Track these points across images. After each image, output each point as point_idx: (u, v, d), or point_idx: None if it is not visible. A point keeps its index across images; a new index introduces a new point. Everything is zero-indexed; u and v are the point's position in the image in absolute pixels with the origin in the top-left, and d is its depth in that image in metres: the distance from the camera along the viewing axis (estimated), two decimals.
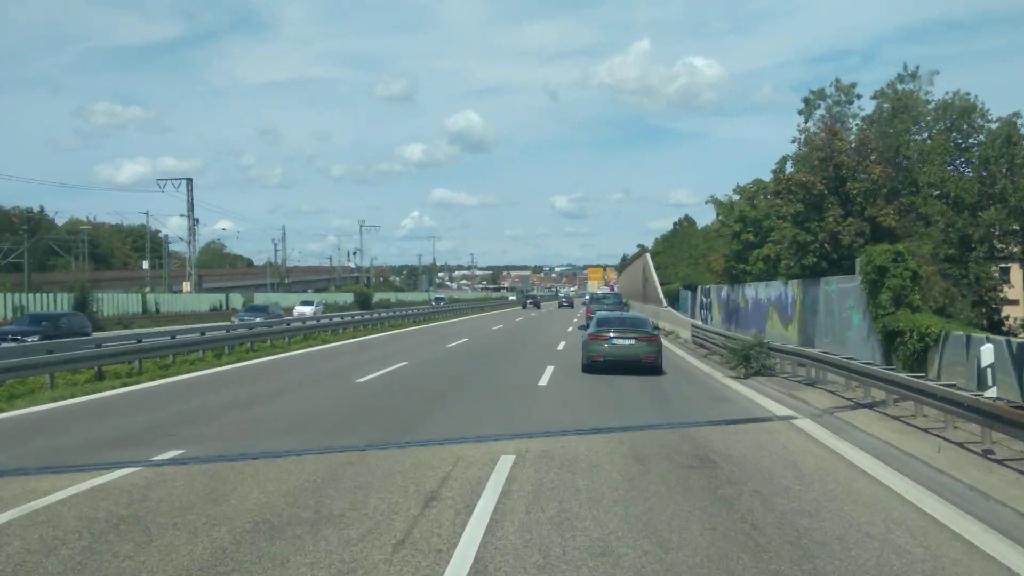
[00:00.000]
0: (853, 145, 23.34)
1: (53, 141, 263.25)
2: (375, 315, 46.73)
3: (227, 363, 21.43)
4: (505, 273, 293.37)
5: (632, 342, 18.59)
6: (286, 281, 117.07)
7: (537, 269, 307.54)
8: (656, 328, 22.26)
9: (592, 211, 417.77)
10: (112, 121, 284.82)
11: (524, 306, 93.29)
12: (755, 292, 30.84)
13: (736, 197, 35.02)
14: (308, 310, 55.58)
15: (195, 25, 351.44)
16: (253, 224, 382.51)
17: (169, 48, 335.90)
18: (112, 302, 49.49)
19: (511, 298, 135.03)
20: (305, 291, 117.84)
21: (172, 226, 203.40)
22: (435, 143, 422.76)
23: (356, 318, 41.35)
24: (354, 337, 33.96)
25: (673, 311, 43.40)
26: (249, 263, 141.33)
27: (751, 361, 19.53)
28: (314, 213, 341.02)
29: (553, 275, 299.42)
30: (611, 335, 18.72)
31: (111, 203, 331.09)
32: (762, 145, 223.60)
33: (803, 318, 24.19)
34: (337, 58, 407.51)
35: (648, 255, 56.95)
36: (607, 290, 78.85)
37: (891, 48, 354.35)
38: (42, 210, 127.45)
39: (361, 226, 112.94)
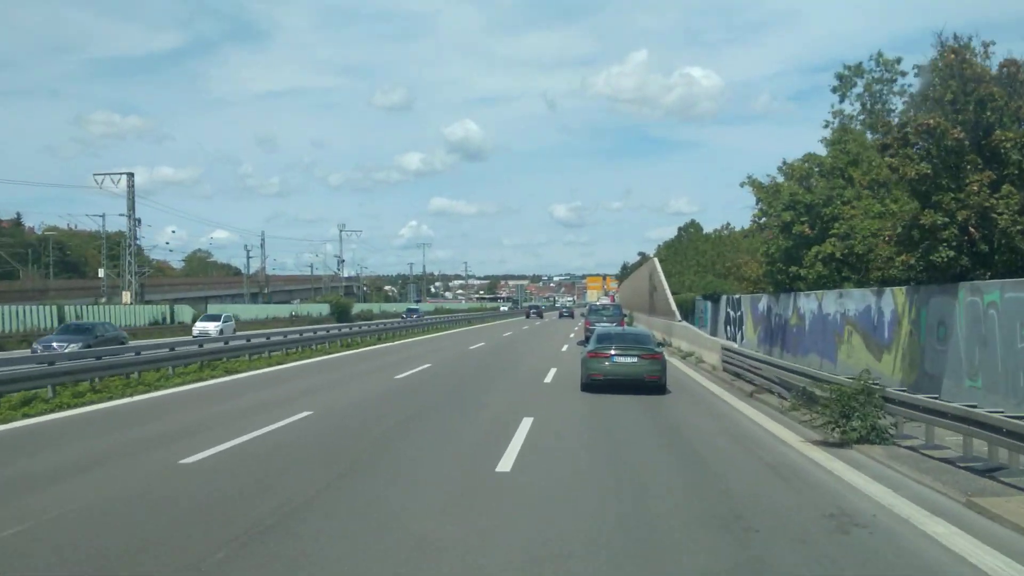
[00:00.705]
0: (996, 74, 14.57)
1: (51, 149, 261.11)
2: (320, 331, 37.79)
3: None
4: (503, 282, 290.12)
5: (635, 360, 17.32)
6: (265, 291, 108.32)
7: (536, 279, 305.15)
8: (661, 345, 19.94)
9: (591, 220, 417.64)
10: (111, 130, 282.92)
11: (528, 315, 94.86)
12: (817, 304, 22.08)
13: (781, 179, 26.28)
14: (212, 327, 45.31)
15: (194, 35, 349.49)
16: (249, 234, 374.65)
17: (168, 58, 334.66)
18: (14, 315, 40.68)
19: (503, 308, 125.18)
20: (288, 301, 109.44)
21: (166, 235, 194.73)
22: (433, 152, 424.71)
23: (288, 337, 32.40)
24: (269, 366, 25.14)
25: (690, 326, 34.79)
26: (236, 272, 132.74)
27: (852, 418, 11.41)
28: (312, 222, 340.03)
29: (552, 284, 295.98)
30: (612, 352, 17.43)
31: (104, 208, 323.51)
32: (759, 154, 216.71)
33: (917, 345, 15.49)
34: (335, 67, 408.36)
35: (656, 260, 48.27)
36: (607, 301, 74.13)
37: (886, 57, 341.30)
38: (19, 217, 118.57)
39: (341, 231, 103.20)
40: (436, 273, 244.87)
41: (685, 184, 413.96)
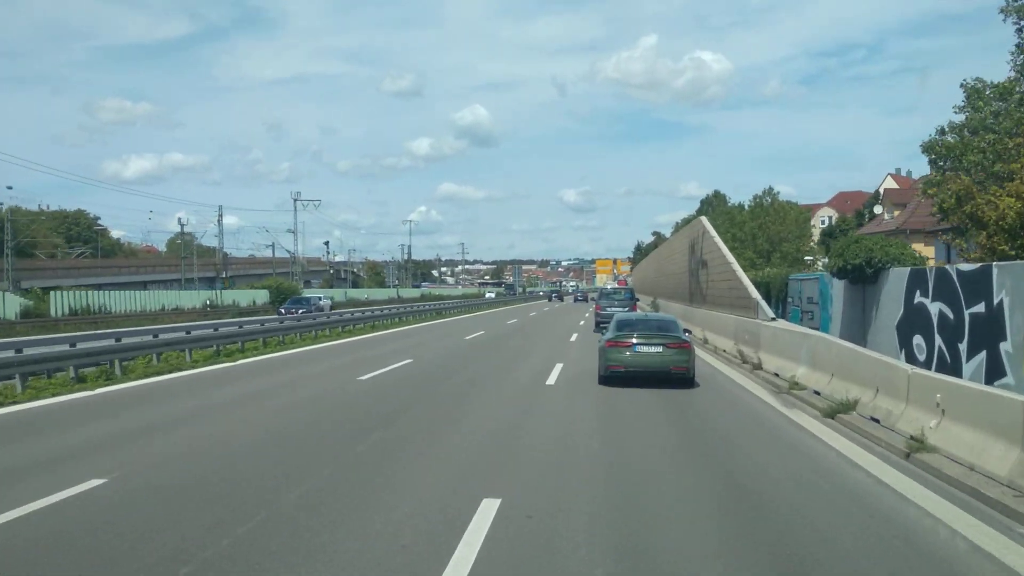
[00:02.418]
0: None
1: (62, 136, 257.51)
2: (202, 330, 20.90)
3: None
4: (510, 267, 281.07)
5: (659, 349, 15.14)
6: (224, 275, 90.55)
7: (543, 263, 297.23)
8: (688, 332, 16.75)
9: (600, 204, 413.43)
10: (121, 117, 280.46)
11: (550, 299, 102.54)
12: None
13: None
14: None
15: (203, 22, 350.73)
16: (260, 219, 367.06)
17: (177, 45, 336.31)
18: None
19: (489, 295, 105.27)
20: (254, 286, 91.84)
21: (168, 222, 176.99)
22: (442, 137, 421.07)
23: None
24: None
25: (811, 332, 16.11)
26: (225, 256, 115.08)
27: None
28: (321, 208, 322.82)
29: (560, 269, 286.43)
30: (634, 341, 15.19)
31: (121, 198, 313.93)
32: (769, 138, 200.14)
33: None
34: (343, 54, 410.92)
35: (705, 222, 29.77)
36: (615, 285, 66.52)
37: (895, 41, 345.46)
38: None
39: (296, 201, 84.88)
40: (442, 258, 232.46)
41: (695, 169, 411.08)
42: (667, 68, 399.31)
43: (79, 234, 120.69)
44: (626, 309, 32.60)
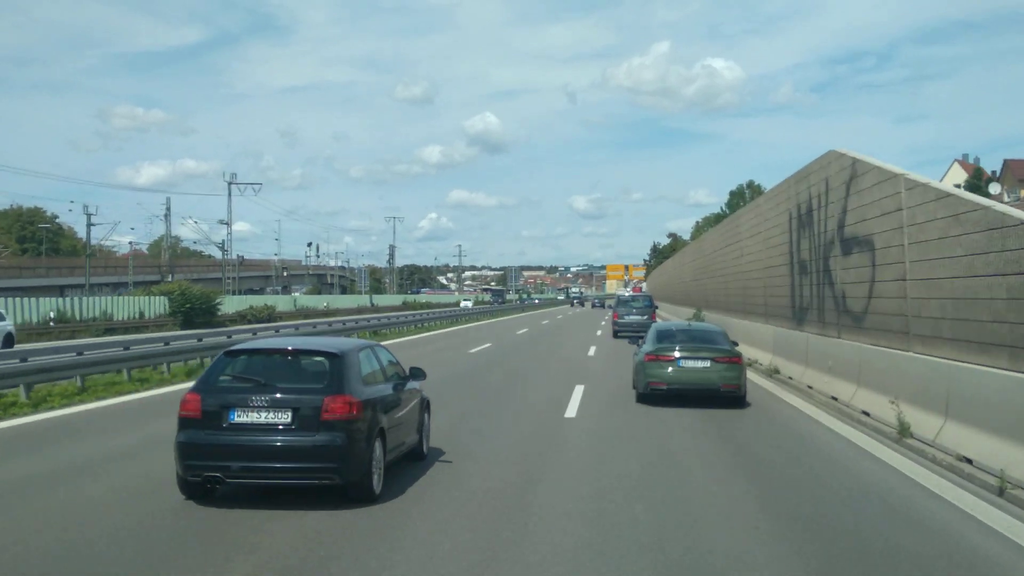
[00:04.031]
0: None
1: (75, 143, 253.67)
2: None
3: None
4: (518, 273, 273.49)
5: (706, 364, 13.19)
6: (170, 278, 74.73)
7: (552, 270, 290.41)
8: (736, 344, 14.32)
9: (610, 211, 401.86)
10: (134, 124, 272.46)
11: (572, 304, 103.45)
12: None
13: None
14: None
15: (216, 29, 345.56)
16: (271, 226, 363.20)
17: (190, 52, 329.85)
18: None
19: (466, 303, 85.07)
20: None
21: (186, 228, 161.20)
22: (454, 145, 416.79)
23: None
24: None
25: None
26: (241, 259, 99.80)
27: None
28: (332, 214, 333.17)
29: (568, 275, 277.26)
30: (677, 355, 13.29)
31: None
32: (781, 146, 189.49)
33: None
34: (356, 61, 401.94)
35: (858, 157, 12.88)
36: (628, 292, 61.61)
37: (907, 48, 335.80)
38: None
39: (230, 184, 68.88)
40: (450, 264, 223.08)
41: (705, 176, 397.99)
42: (679, 75, 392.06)
43: (33, 234, 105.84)
44: (645, 317, 32.05)
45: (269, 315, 52.74)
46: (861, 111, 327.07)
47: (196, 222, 76.22)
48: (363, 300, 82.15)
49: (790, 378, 16.16)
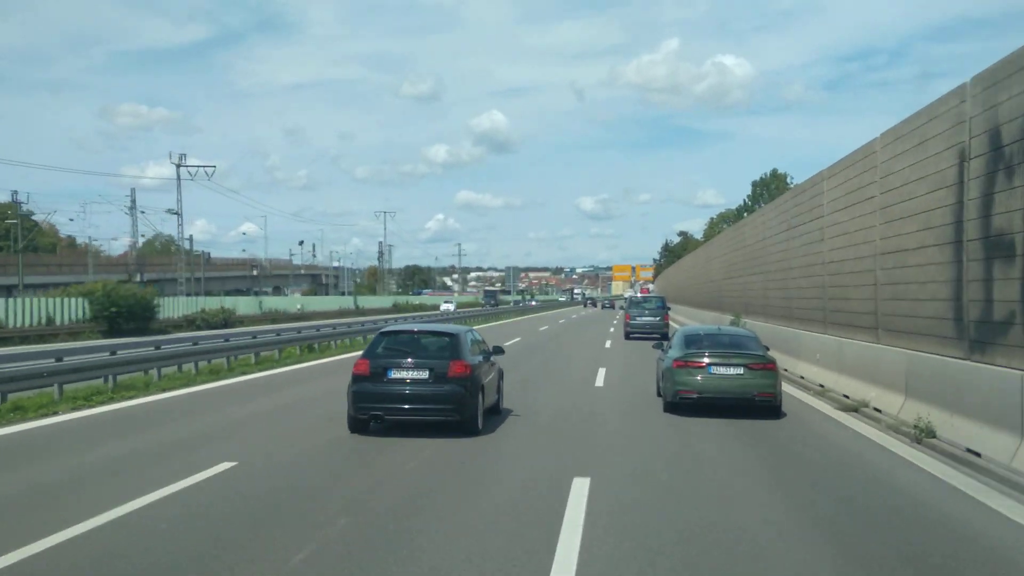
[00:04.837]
0: None
1: (79, 141, 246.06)
2: None
3: None
4: (524, 274, 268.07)
5: (740, 371, 12.27)
6: (138, 278, 67.14)
7: (557, 271, 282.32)
8: (768, 349, 13.60)
9: (617, 212, 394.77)
10: (138, 122, 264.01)
11: (584, 305, 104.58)
12: None
13: None
14: None
15: (221, 27, 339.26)
16: (279, 226, 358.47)
17: (195, 50, 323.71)
18: None
19: (446, 306, 75.28)
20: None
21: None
22: (460, 144, 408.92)
23: None
24: None
25: None
26: (207, 258, 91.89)
27: None
28: (339, 215, 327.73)
29: (574, 276, 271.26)
30: (706, 361, 12.37)
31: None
32: (791, 145, 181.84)
33: None
34: (362, 59, 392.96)
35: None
36: (640, 293, 64.96)
37: (918, 45, 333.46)
38: None
39: (179, 167, 61.17)
40: (455, 265, 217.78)
41: (714, 176, 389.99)
42: (688, 73, 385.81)
43: (7, 230, 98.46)
44: (657, 319, 32.26)
45: (225, 319, 45.06)
46: (872, 109, 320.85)
47: (143, 212, 67.34)
48: (347, 302, 74.24)
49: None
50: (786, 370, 16.67)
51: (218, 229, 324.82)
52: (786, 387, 13.85)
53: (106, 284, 37.00)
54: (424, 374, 10.21)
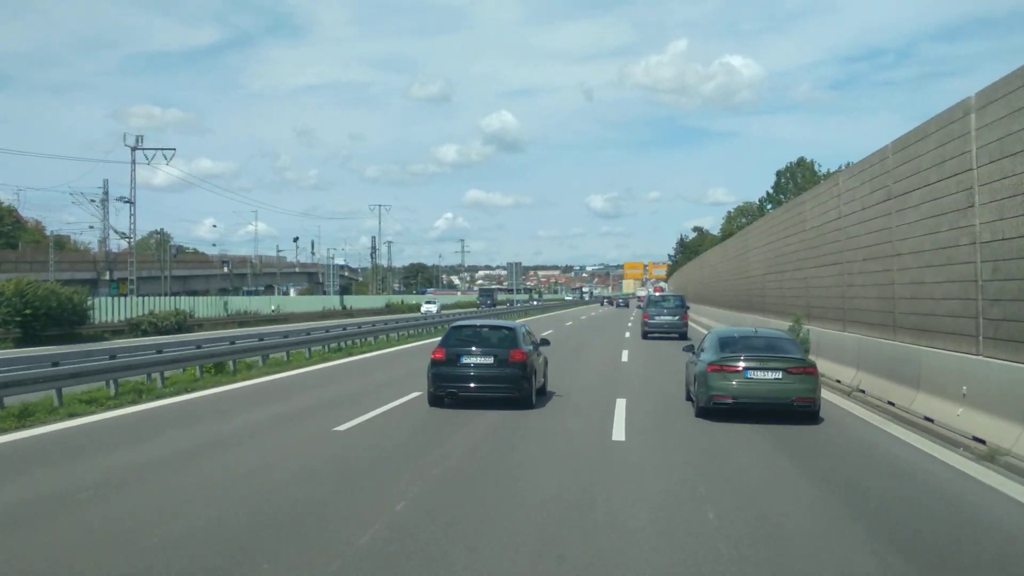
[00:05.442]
0: None
1: (91, 142, 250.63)
2: None
3: None
4: (532, 272, 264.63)
5: (778, 375, 11.54)
6: (108, 276, 61.04)
7: (567, 269, 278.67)
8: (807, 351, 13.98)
9: (627, 211, 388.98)
10: (151, 123, 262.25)
11: (601, 304, 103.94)
12: None
13: None
14: None
15: (232, 29, 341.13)
16: (288, 226, 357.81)
17: (207, 53, 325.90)
18: None
19: (427, 307, 65.41)
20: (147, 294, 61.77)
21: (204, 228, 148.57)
22: (470, 144, 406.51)
23: None
24: None
25: None
26: (173, 253, 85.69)
27: None
28: (349, 215, 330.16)
29: (584, 275, 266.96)
30: (743, 365, 11.61)
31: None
32: (799, 144, 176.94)
33: None
34: (372, 61, 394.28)
35: None
36: (643, 292, 65.78)
37: (925, 45, 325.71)
38: None
39: (134, 150, 54.66)
40: (464, 264, 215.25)
41: (723, 175, 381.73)
42: (696, 73, 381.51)
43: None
44: (676, 318, 31.64)
45: (179, 324, 38.67)
46: (880, 109, 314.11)
47: (93, 201, 59.80)
48: (332, 302, 67.72)
49: None
50: (892, 403, 12.34)
51: (226, 229, 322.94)
52: (915, 438, 10.41)
53: (19, 281, 30.68)
54: (489, 359, 12.49)
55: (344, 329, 24.77)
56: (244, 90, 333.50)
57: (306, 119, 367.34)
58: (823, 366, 17.34)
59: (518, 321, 18.80)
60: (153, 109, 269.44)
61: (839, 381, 15.77)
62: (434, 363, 12.59)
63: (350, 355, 22.67)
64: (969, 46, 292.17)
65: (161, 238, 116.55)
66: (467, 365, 12.39)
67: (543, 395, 13.62)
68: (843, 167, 56.28)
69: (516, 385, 12.26)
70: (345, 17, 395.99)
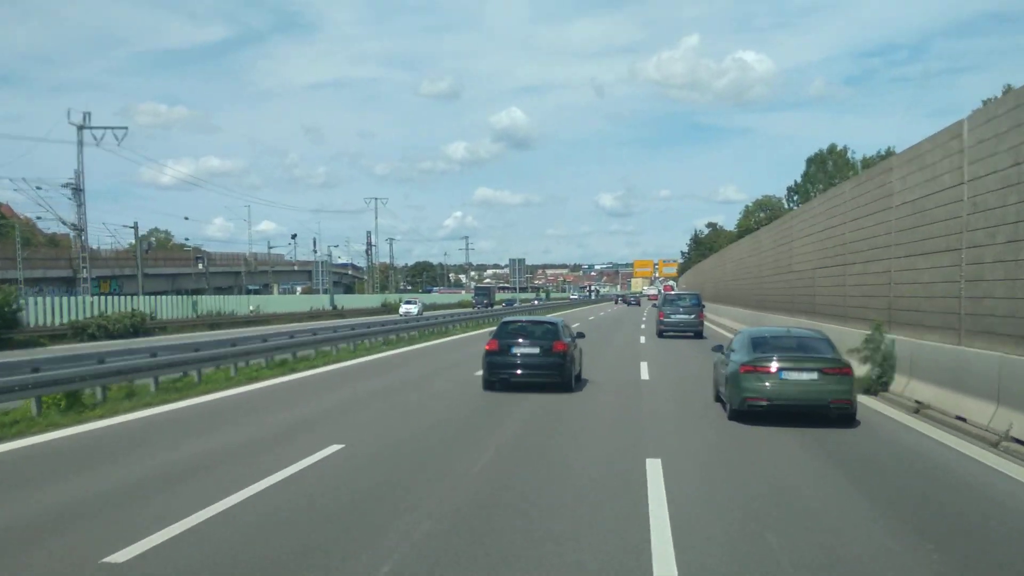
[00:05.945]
0: None
1: (102, 141, 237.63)
2: None
3: None
4: (540, 271, 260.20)
5: (813, 376, 11.00)
6: (81, 274, 56.33)
7: (575, 268, 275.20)
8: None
9: (636, 209, 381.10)
10: (158, 121, 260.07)
11: (616, 302, 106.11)
12: None
13: None
14: None
15: (241, 27, 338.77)
16: (297, 225, 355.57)
17: (216, 50, 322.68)
18: None
19: (408, 307, 58.24)
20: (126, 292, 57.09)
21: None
22: (479, 141, 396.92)
23: None
24: None
25: None
26: (146, 249, 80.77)
27: None
28: (357, 212, 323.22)
29: (592, 273, 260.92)
30: (776, 366, 11.07)
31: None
32: (812, 140, 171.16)
33: None
34: (381, 58, 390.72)
35: None
36: (663, 290, 60.03)
37: (940, 41, 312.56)
38: None
39: (81, 129, 49.82)
40: (472, 263, 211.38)
41: (734, 172, 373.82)
42: (708, 69, 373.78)
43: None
44: (692, 316, 31.54)
45: (134, 327, 33.84)
46: (894, 105, 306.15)
47: (39, 187, 54.35)
48: (322, 301, 62.74)
49: None
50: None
51: (236, 228, 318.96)
52: None
53: None
54: (536, 349, 14.17)
55: (291, 337, 19.70)
56: (253, 88, 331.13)
57: (314, 117, 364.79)
58: (924, 392, 12.46)
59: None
60: (160, 107, 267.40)
61: (962, 419, 10.73)
62: (488, 353, 14.41)
63: (294, 371, 17.64)
64: (984, 42, 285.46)
65: (162, 237, 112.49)
66: (516, 355, 14.20)
67: (579, 380, 15.18)
68: (882, 153, 50.55)
69: (559, 371, 14.07)
70: (354, 15, 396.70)
